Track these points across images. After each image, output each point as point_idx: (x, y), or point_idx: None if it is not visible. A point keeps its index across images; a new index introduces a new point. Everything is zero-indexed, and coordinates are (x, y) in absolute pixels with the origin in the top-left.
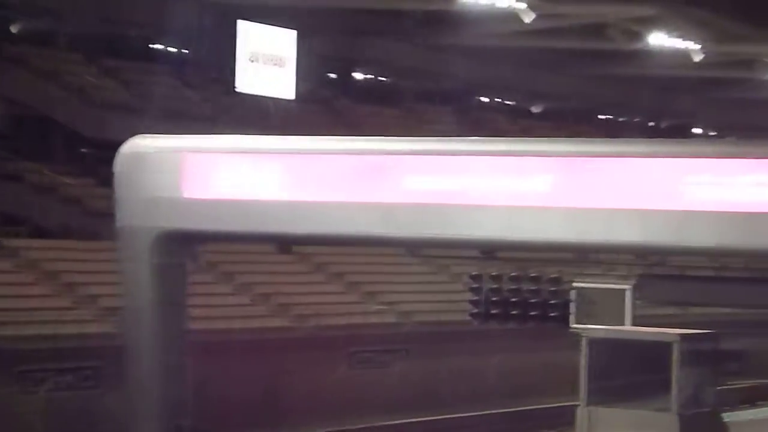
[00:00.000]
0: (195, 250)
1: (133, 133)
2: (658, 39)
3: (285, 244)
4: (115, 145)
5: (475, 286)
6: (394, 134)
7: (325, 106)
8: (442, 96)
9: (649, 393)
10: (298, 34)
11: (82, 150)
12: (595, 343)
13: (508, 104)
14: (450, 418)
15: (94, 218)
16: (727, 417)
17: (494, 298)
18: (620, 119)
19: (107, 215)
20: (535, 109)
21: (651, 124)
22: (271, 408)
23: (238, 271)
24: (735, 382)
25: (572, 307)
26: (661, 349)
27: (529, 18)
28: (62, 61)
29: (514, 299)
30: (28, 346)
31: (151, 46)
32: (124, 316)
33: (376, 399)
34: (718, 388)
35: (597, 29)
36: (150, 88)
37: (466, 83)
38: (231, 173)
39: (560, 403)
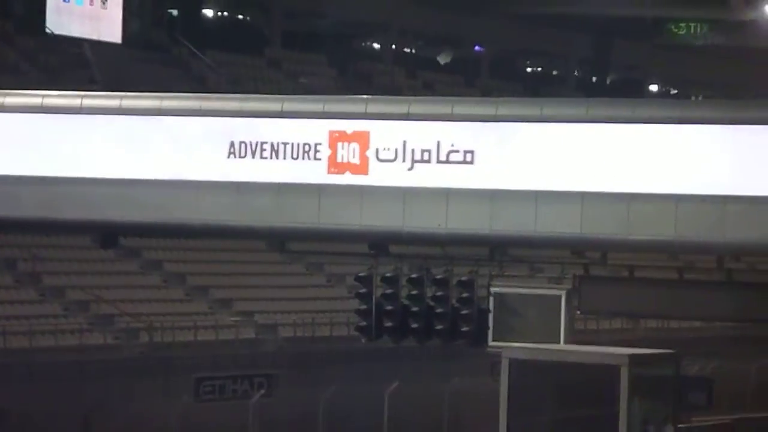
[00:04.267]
0: None
1: None
2: None
3: (106, 234)
4: None
5: (362, 291)
6: (253, 90)
7: (163, 52)
8: (316, 40)
9: (591, 431)
10: None
11: None
12: (520, 366)
13: (406, 52)
14: None
15: None
16: None
17: (388, 307)
18: (552, 73)
19: None
20: (442, 59)
21: (593, 79)
22: None
23: (45, 270)
24: (700, 419)
25: (490, 319)
26: (606, 374)
27: None
28: None
29: (414, 308)
30: None
31: None
32: None
33: None
34: (679, 426)
35: None
36: None
37: (348, 24)
38: (37, 141)
39: None
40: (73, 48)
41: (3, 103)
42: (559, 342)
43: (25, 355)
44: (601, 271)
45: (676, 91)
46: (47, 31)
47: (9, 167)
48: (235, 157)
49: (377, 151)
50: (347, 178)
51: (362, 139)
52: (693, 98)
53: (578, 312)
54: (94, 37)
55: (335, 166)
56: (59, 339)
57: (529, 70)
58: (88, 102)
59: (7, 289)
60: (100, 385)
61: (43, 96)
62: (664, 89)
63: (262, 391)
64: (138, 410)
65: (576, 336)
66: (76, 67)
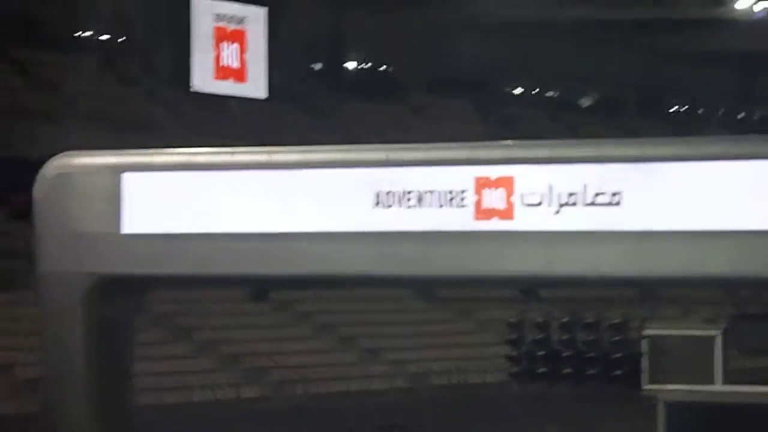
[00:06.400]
0: (142, 300)
1: (56, 149)
2: (743, 3)
3: (260, 288)
4: (33, 166)
5: (513, 336)
6: (398, 139)
7: (307, 104)
8: (457, 86)
9: None
10: (269, 11)
11: None
12: (677, 409)
13: (548, 96)
14: None
15: (6, 262)
16: None
17: (540, 353)
18: (697, 111)
19: (23, 257)
20: (586, 101)
21: (740, 116)
22: None
23: (197, 325)
24: None
25: (644, 362)
26: (766, 413)
27: None
28: None
29: (566, 353)
30: None
31: (75, 33)
32: (50, 389)
33: None
34: None
35: None
36: (77, 87)
37: (489, 69)
38: (187, 198)
39: None
40: (218, 104)
41: (151, 162)
42: (715, 383)
43: (175, 410)
44: (756, 309)
45: None
46: (193, 89)
47: (160, 225)
48: (381, 206)
49: (523, 195)
50: (494, 224)
51: (508, 184)
52: None
53: (734, 351)
54: (239, 93)
55: (481, 212)
56: (215, 393)
57: (674, 109)
58: (237, 158)
59: (161, 345)
60: None
61: (192, 153)
62: None
63: None
64: None
65: (733, 376)
66: (221, 123)
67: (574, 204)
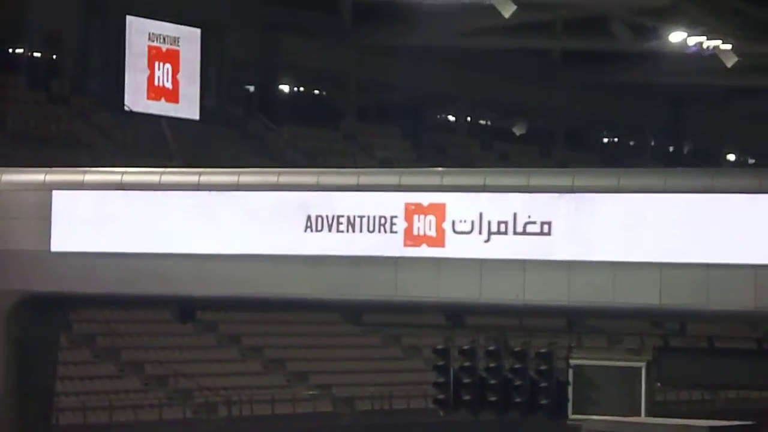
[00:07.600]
0: (68, 319)
1: None
2: (677, 37)
3: (184, 309)
4: None
5: (439, 363)
6: (329, 163)
7: (240, 128)
8: (390, 113)
9: None
10: (203, 34)
11: None
12: None
13: (481, 124)
14: None
15: None
16: None
17: (465, 380)
18: (628, 143)
19: None
20: (517, 130)
21: (670, 149)
22: None
23: (123, 346)
24: None
25: (569, 392)
26: None
27: (508, 11)
28: None
29: (491, 381)
30: None
31: (6, 49)
32: None
33: None
34: None
35: (597, 24)
36: (5, 105)
37: (423, 97)
38: (115, 218)
39: None
40: (150, 125)
41: (82, 180)
42: (639, 414)
43: (104, 431)
44: (681, 342)
45: (753, 161)
46: (126, 108)
47: (88, 244)
48: (311, 230)
49: (453, 223)
50: (424, 251)
51: (438, 211)
52: None
53: (658, 384)
54: (172, 114)
55: (411, 238)
56: (138, 414)
57: (605, 140)
58: (166, 178)
59: (86, 365)
60: None
61: (122, 173)
62: (741, 158)
63: None
64: None
65: (656, 408)
66: (153, 144)
67: (504, 232)
